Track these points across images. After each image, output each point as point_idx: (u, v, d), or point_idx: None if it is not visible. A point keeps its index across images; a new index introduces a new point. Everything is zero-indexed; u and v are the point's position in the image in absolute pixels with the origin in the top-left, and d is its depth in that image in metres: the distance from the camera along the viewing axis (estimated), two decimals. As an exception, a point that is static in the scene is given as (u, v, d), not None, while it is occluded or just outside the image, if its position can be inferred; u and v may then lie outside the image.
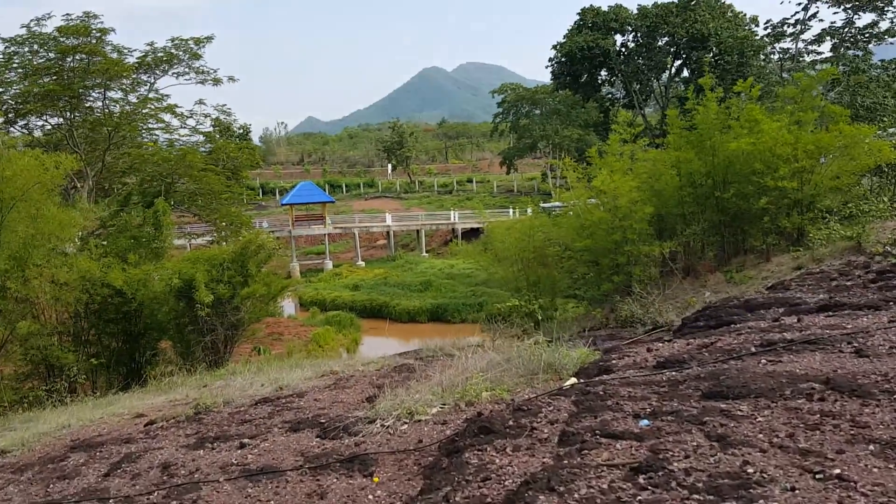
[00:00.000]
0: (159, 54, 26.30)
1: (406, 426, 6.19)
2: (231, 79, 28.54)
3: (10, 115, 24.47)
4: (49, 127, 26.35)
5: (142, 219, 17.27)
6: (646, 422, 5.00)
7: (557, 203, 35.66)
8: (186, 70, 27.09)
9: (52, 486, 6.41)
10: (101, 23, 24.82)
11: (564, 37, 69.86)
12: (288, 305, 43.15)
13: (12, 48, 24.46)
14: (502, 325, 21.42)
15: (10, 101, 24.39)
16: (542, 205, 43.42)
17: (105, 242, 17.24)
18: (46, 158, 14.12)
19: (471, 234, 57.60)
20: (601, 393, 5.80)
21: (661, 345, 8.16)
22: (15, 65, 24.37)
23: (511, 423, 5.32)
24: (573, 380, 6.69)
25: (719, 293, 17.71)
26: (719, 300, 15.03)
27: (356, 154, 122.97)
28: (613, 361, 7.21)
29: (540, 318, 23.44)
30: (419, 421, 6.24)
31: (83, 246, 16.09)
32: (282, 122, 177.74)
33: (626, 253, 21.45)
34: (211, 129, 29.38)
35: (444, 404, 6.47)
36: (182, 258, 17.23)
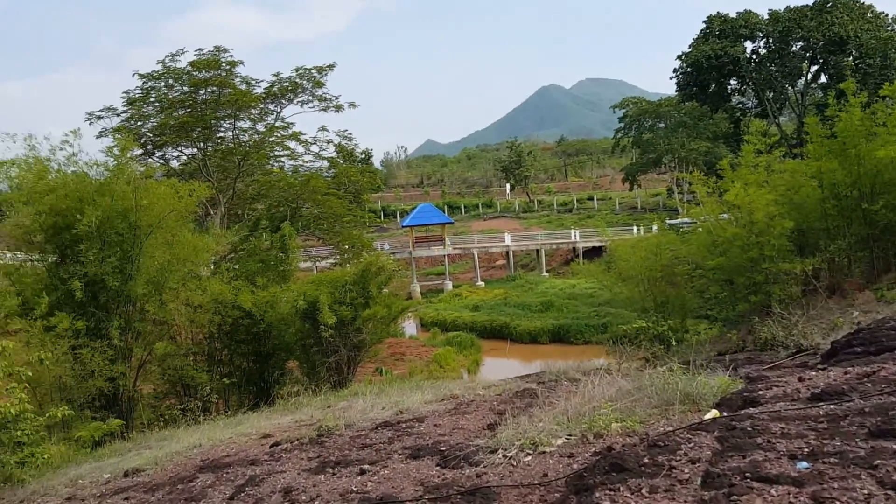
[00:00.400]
0: (285, 84, 27.58)
1: (530, 458, 5.81)
2: (352, 105, 29.48)
3: (148, 147, 26.39)
4: (184, 157, 28.26)
5: (269, 243, 17.92)
6: (805, 464, 4.38)
7: (686, 219, 34.16)
8: (310, 98, 28.26)
9: (179, 507, 6.51)
10: (231, 56, 26.50)
11: (690, 46, 67.38)
12: (409, 326, 43.64)
13: (150, 83, 26.47)
14: (629, 347, 20.54)
15: (148, 134, 26.32)
16: (668, 221, 41.75)
17: (236, 266, 17.99)
18: (181, 187, 14.93)
19: (592, 252, 56.24)
20: (749, 429, 5.19)
21: (813, 373, 7.34)
22: (152, 99, 26.32)
23: (646, 460, 4.83)
24: (714, 412, 6.07)
25: (869, 313, 16.19)
26: (872, 321, 13.64)
27: (474, 175, 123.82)
28: (760, 392, 6.51)
29: (670, 340, 22.35)
30: (544, 452, 5.85)
31: (215, 270, 16.84)
32: (402, 147, 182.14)
33: (764, 271, 20.05)
34: (334, 154, 30.43)
35: (570, 435, 6.04)
36: (307, 280, 17.68)
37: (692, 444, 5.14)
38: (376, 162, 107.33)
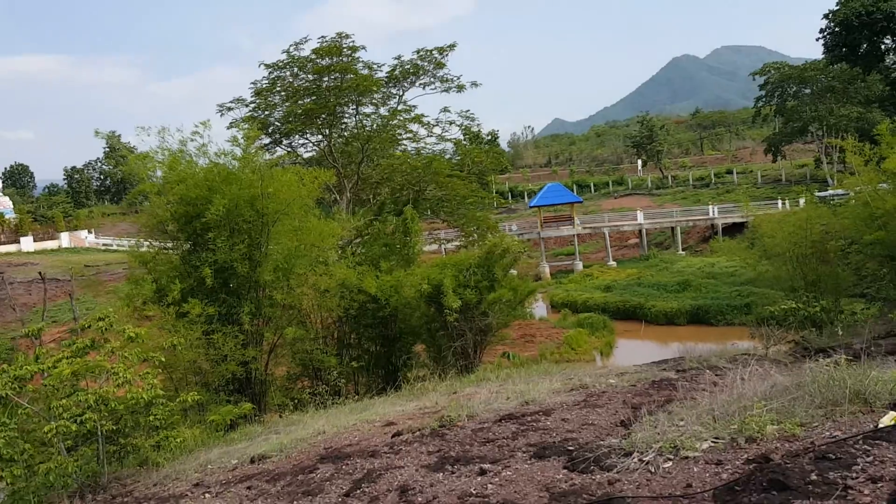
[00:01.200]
0: (406, 67, 27.42)
1: (670, 463, 5.11)
2: (474, 84, 28.86)
3: (275, 136, 27.11)
4: (310, 144, 28.86)
5: (393, 226, 17.84)
6: None
7: (839, 191, 31.26)
8: (432, 80, 27.92)
9: (296, 502, 6.32)
10: (353, 41, 26.59)
11: (838, 3, 61.46)
12: (539, 307, 42.92)
13: (275, 73, 27.10)
14: (776, 329, 18.91)
15: (276, 123, 27.02)
16: (818, 193, 38.47)
17: (362, 250, 18.06)
18: (305, 174, 15.06)
19: (733, 229, 52.97)
20: (947, 439, 4.24)
21: None
22: (278, 88, 26.97)
23: (814, 476, 4.03)
24: (893, 415, 5.09)
25: None
26: None
27: (604, 152, 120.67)
28: (954, 390, 5.43)
29: (824, 322, 20.44)
30: (686, 458, 5.12)
31: (342, 255, 16.95)
32: (528, 127, 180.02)
33: (934, 245, 17.86)
34: (459, 136, 30.08)
35: (718, 438, 5.26)
36: (431, 264, 17.47)
37: (871, 458, 4.26)
38: (503, 143, 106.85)
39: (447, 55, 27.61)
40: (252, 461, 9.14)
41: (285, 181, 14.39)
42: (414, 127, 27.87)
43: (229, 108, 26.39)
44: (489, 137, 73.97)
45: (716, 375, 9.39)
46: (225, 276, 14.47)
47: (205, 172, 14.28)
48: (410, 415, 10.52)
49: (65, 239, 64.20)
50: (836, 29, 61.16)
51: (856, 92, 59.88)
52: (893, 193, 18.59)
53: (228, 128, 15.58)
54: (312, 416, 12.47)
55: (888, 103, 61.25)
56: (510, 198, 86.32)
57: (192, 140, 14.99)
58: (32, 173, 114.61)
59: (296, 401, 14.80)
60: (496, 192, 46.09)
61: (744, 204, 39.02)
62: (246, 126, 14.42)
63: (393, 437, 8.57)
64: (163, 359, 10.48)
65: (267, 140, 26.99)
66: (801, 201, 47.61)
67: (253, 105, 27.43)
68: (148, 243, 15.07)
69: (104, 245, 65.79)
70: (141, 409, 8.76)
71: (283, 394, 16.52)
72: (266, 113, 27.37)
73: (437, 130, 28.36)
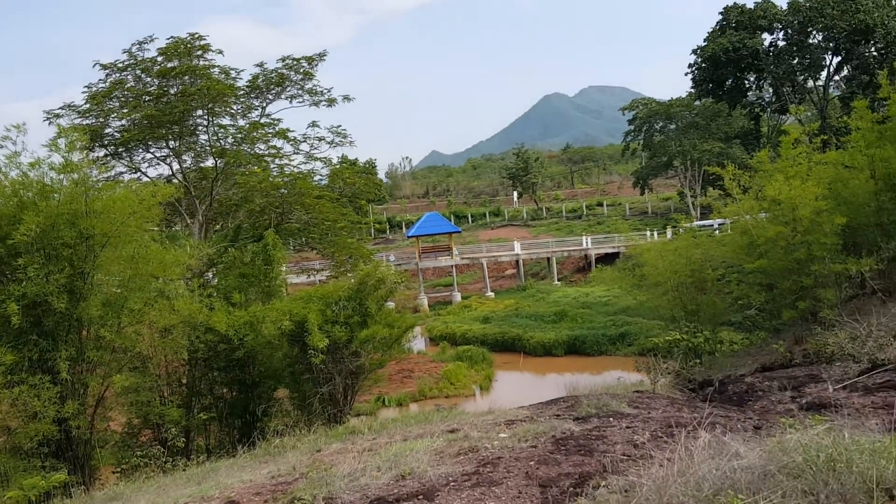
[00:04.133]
0: (270, 76, 24.89)
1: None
2: (346, 98, 26.48)
3: (114, 148, 23.64)
4: (156, 160, 25.43)
5: (251, 254, 15.60)
6: None
7: (717, 220, 31.86)
8: (299, 92, 25.49)
9: None
10: (207, 42, 23.57)
11: (705, 39, 64.60)
12: (417, 341, 41.36)
13: (115, 75, 23.64)
14: (661, 361, 18.15)
15: (114, 134, 23.52)
16: (694, 223, 39.37)
17: (215, 282, 15.74)
18: (141, 188, 12.69)
19: (605, 259, 53.89)
20: None
21: None
22: (117, 93, 23.48)
23: None
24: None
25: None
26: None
27: (480, 184, 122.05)
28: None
29: (706, 352, 20.10)
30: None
31: (190, 287, 14.55)
32: (406, 158, 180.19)
33: (813, 273, 17.79)
34: (330, 154, 28.04)
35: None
36: (293, 297, 15.40)
37: None
38: (381, 174, 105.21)
39: (316, 65, 25.39)
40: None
41: (117, 197, 11.95)
42: (278, 143, 25.31)
43: (57, 116, 22.62)
44: (366, 166, 72.12)
45: (626, 427, 8.00)
46: (37, 312, 11.77)
47: (13, 185, 11.59)
48: (258, 488, 8.43)
49: None
50: (704, 64, 64.47)
51: (717, 128, 63.08)
52: (773, 222, 18.41)
53: (56, 138, 12.67)
54: (138, 490, 10.06)
55: (751, 137, 64.97)
56: (389, 228, 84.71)
57: (1, 146, 12.25)
58: None
59: (125, 466, 12.23)
60: (364, 217, 43.39)
61: (625, 233, 39.45)
62: (72, 133, 11.68)
63: (228, 528, 6.53)
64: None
65: (102, 153, 23.37)
66: (669, 232, 49.49)
67: (87, 112, 23.78)
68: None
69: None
70: None
71: (121, 450, 13.82)
72: (101, 121, 23.79)
73: (304, 147, 26.13)
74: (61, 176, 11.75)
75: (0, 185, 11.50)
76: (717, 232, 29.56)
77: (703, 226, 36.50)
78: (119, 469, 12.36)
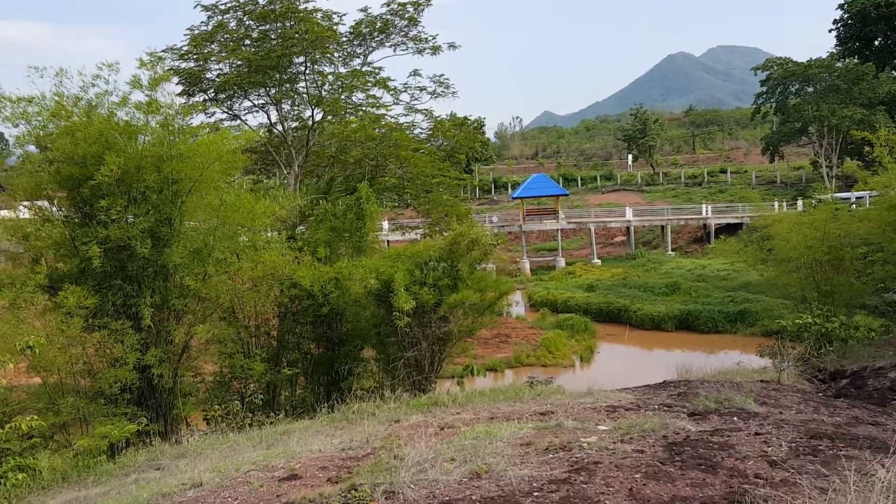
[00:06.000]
0: (374, 21, 23.49)
1: None
2: (452, 45, 24.89)
3: (212, 93, 23.11)
4: (254, 107, 24.73)
5: (343, 208, 14.81)
6: None
7: (857, 193, 28.69)
8: (403, 40, 24.02)
9: None
10: None
11: (855, -6, 58.40)
12: (517, 306, 40.22)
13: (217, 17, 22.86)
14: (787, 343, 16.39)
15: (213, 78, 22.97)
16: (832, 196, 35.85)
17: (305, 235, 15.11)
18: (226, 132, 12.05)
19: (726, 230, 50.44)
20: None
21: None
22: (219, 37, 22.76)
23: None
24: None
25: None
26: None
27: (593, 147, 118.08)
28: None
29: (841, 339, 17.89)
30: None
31: (279, 239, 13.96)
32: (517, 117, 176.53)
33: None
34: (431, 106, 26.66)
35: None
36: (382, 254, 14.54)
37: None
38: (489, 133, 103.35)
39: (422, 10, 23.91)
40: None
41: (202, 141, 11.35)
42: (378, 92, 24.14)
43: (160, 59, 22.33)
44: (475, 125, 70.63)
45: (755, 434, 6.58)
46: (121, 257, 11.45)
47: (100, 124, 11.19)
48: (325, 461, 7.63)
49: None
50: (851, 20, 58.51)
51: (860, 93, 57.26)
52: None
53: (133, 79, 12.08)
54: (210, 446, 9.56)
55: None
56: (494, 189, 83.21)
57: (93, 86, 11.90)
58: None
59: (211, 416, 11.86)
60: (479, 183, 41.00)
61: (753, 202, 36.53)
62: (155, 66, 11.10)
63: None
64: (11, 365, 7.63)
65: (202, 97, 22.93)
66: (800, 204, 45.44)
67: (186, 54, 23.31)
68: (31, 212, 11.94)
69: None
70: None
71: (207, 402, 13.54)
72: (201, 64, 23.33)
73: (405, 98, 24.81)
74: (148, 117, 11.23)
75: (86, 126, 11.10)
76: (853, 206, 26.58)
77: (842, 199, 33.17)
78: (206, 419, 12.03)
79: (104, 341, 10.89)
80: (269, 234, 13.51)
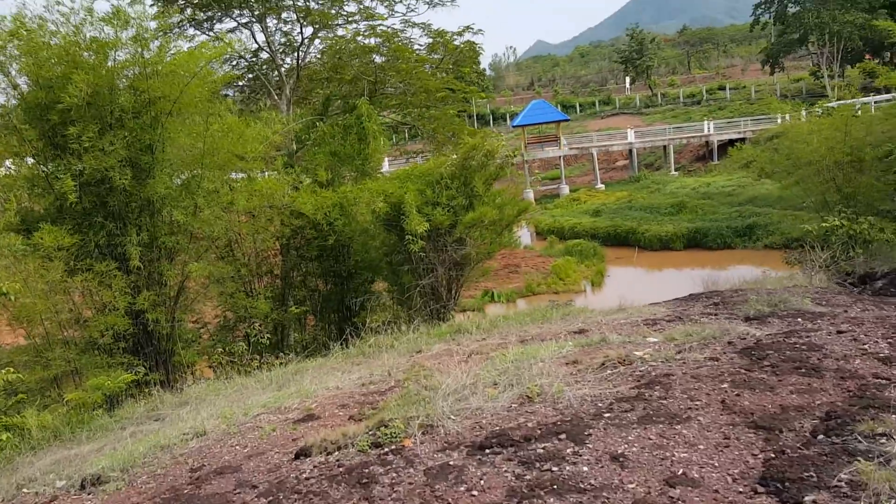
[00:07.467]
0: None
1: None
2: None
3: (189, 12, 21.02)
4: (239, 27, 22.75)
5: (343, 129, 13.65)
6: None
7: (860, 99, 27.54)
8: None
9: None
10: None
11: None
12: (524, 235, 39.38)
13: None
14: (812, 250, 15.43)
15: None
16: (834, 104, 34.60)
17: (303, 161, 14.07)
18: (203, 43, 10.87)
19: (728, 146, 49.14)
20: None
21: None
22: None
23: None
24: None
25: None
26: None
27: (588, 73, 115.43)
28: None
29: (869, 241, 17.05)
30: None
31: (273, 166, 12.92)
32: (510, 48, 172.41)
33: None
34: (429, 21, 24.77)
35: None
36: (389, 176, 13.50)
37: None
38: (484, 64, 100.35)
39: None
40: (83, 485, 5.58)
41: (183, 57, 10.17)
42: (371, 3, 22.09)
43: None
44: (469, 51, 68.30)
45: (837, 332, 5.73)
46: (100, 191, 10.42)
47: (65, 42, 10.01)
48: (344, 398, 6.82)
49: None
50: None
51: (862, -4, 55.12)
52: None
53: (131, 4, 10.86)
54: (216, 392, 8.76)
55: (896, 7, 56.61)
56: (492, 120, 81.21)
57: (58, 3, 10.64)
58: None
59: (215, 361, 11.06)
60: (470, 83, 38.08)
61: (775, 107, 35.26)
62: None
63: (295, 458, 4.89)
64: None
65: (176, 17, 20.72)
66: (804, 113, 43.87)
67: None
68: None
69: None
70: None
71: (210, 347, 12.73)
72: None
73: (400, 9, 22.79)
74: (118, 31, 10.04)
75: (50, 45, 9.93)
76: (858, 113, 25.46)
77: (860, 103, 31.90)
78: (210, 366, 11.23)
79: (89, 285, 9.96)
80: (262, 161, 12.39)
